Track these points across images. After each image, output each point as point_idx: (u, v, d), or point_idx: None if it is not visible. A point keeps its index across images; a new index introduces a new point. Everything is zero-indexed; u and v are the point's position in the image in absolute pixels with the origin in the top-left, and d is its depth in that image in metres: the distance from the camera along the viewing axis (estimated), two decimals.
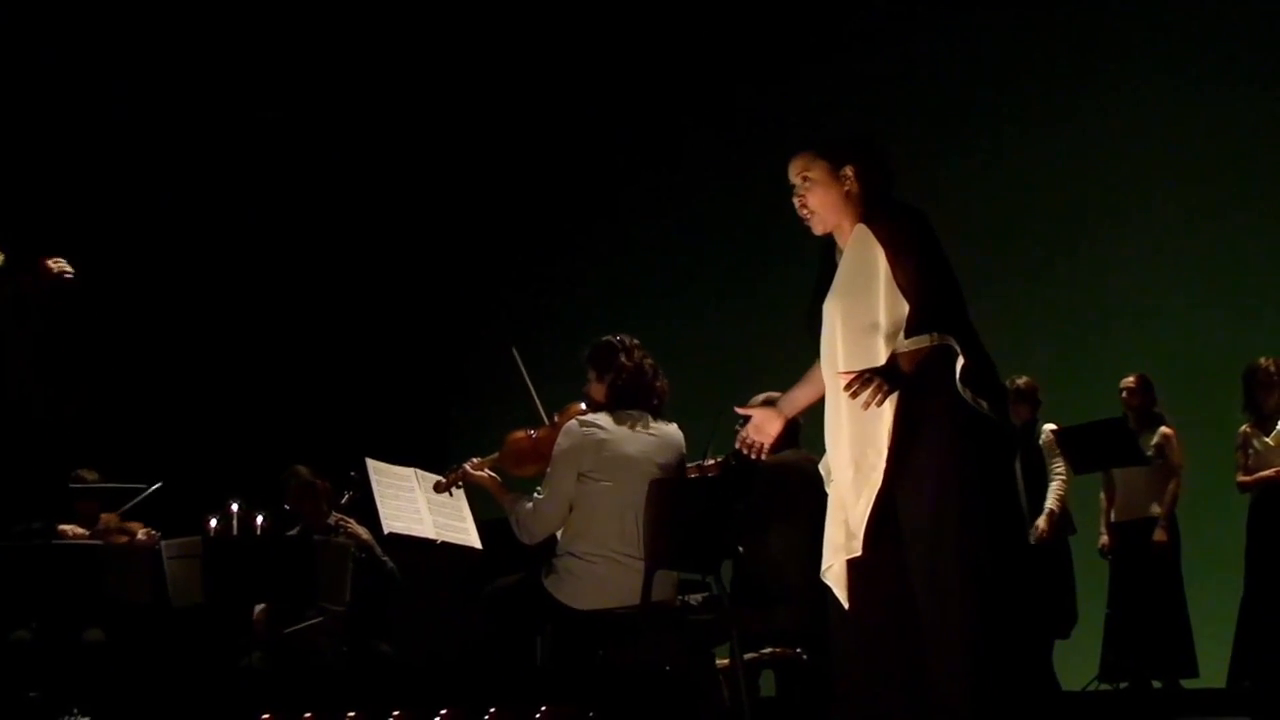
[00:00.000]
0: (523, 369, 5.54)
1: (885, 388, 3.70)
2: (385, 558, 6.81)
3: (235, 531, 5.86)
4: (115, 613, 6.18)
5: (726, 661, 5.31)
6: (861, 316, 3.89)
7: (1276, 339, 8.33)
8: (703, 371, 9.50)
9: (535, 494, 5.20)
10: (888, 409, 3.77)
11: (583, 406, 5.31)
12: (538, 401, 5.46)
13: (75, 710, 5.28)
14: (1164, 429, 8.03)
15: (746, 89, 10.54)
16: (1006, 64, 9.77)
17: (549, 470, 5.16)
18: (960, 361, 3.74)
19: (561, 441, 5.14)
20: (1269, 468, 7.73)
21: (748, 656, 5.41)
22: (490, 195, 11.36)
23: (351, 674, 6.38)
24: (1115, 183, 9.33)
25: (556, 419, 5.32)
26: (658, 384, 5.28)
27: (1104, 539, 8.11)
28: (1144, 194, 9.30)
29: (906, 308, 3.81)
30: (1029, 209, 9.33)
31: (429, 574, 6.58)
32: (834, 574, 3.95)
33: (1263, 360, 7.84)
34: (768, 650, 5.70)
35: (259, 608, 6.62)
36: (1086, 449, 7.78)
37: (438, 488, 5.43)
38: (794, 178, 4.08)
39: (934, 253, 3.88)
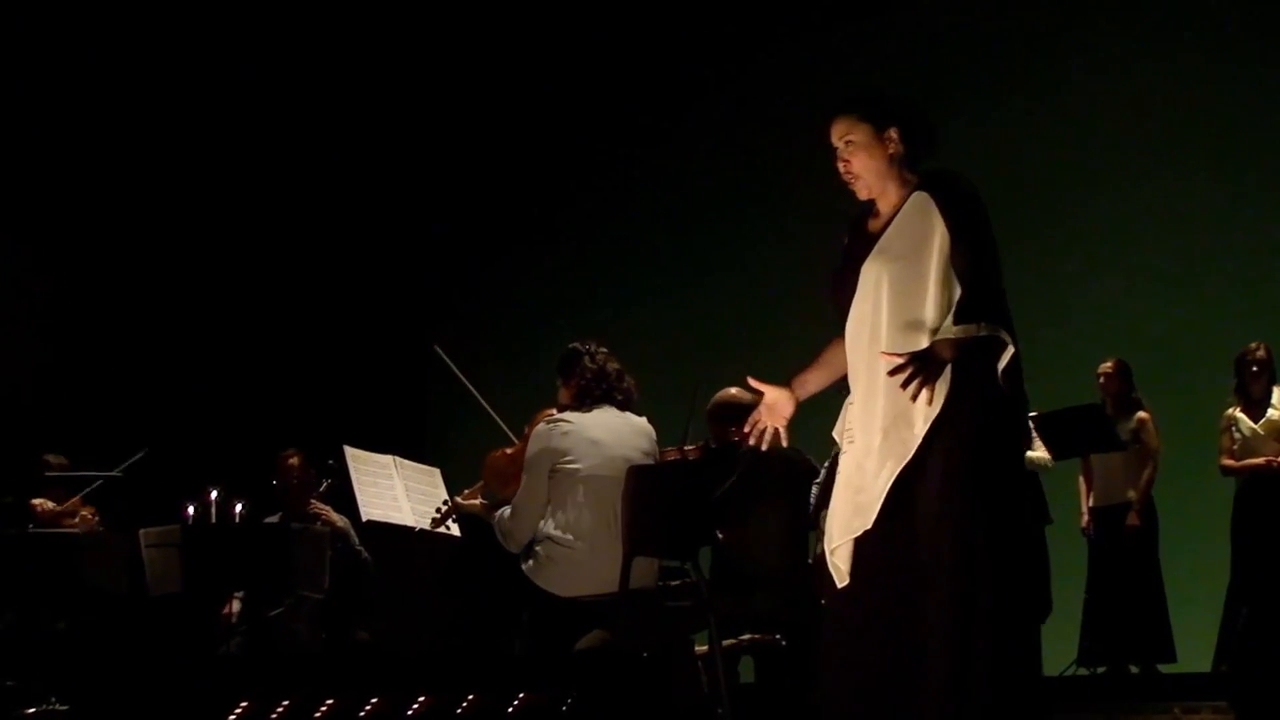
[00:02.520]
0: (454, 366, 5.57)
1: (928, 378, 3.59)
2: (360, 547, 6.83)
3: (214, 519, 5.85)
4: (93, 601, 6.16)
5: (705, 648, 5.32)
6: (910, 283, 3.75)
7: (1253, 324, 8.36)
8: (677, 355, 9.53)
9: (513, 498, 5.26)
10: (926, 396, 3.63)
11: (550, 411, 5.37)
12: (474, 391, 5.51)
13: (53, 699, 5.28)
14: (1140, 414, 8.05)
15: (709, 72, 10.51)
16: (975, 46, 9.72)
17: (524, 470, 5.24)
18: (1009, 353, 3.67)
19: (533, 444, 5.24)
20: (1256, 454, 7.77)
21: (726, 643, 5.43)
22: (466, 182, 11.32)
23: (329, 661, 6.38)
24: (1090, 165, 9.33)
25: (526, 430, 5.39)
26: (623, 383, 5.36)
27: (1085, 519, 8.14)
28: (1119, 179, 9.28)
29: (958, 289, 3.72)
30: (1003, 190, 9.31)
31: (407, 561, 6.57)
32: (842, 553, 3.78)
33: (1254, 345, 7.88)
34: (746, 636, 5.69)
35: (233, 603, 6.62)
36: (1064, 435, 7.80)
37: (433, 524, 5.53)
38: (836, 141, 3.90)
39: (991, 237, 3.78)
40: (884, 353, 3.69)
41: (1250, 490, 7.81)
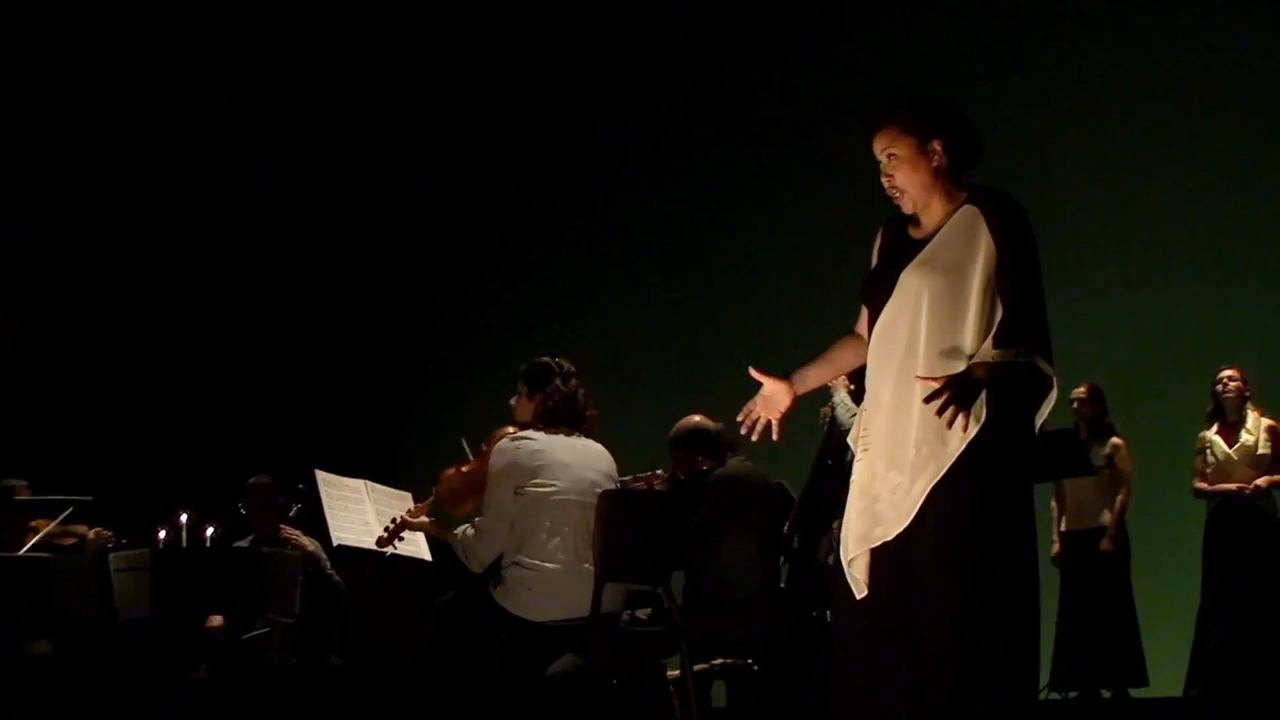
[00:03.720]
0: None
1: (964, 403, 3.49)
2: (332, 571, 6.80)
3: (184, 542, 5.82)
4: (62, 625, 6.12)
5: (678, 672, 5.31)
6: (953, 300, 3.64)
7: (1228, 349, 8.39)
8: (644, 383, 9.55)
9: (476, 518, 5.22)
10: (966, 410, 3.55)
11: (510, 429, 5.34)
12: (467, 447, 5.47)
13: None
14: (1114, 439, 8.08)
15: (693, 82, 10.53)
16: (961, 57, 9.72)
17: (487, 489, 5.19)
18: (1053, 393, 3.62)
19: (496, 460, 5.18)
20: (1229, 477, 7.82)
21: (698, 667, 5.41)
22: (437, 200, 11.29)
23: (301, 686, 6.35)
24: (1061, 188, 9.32)
25: (484, 447, 5.35)
26: (588, 413, 5.34)
27: (1055, 547, 8.15)
28: (1092, 202, 9.28)
29: (999, 310, 3.63)
30: None
31: (379, 586, 6.56)
32: (860, 564, 3.67)
33: (1228, 370, 7.93)
34: (718, 661, 5.68)
35: (216, 619, 6.59)
36: (1038, 459, 7.79)
37: (380, 543, 5.47)
38: (879, 154, 3.78)
39: (1038, 259, 3.67)
40: (920, 377, 3.59)
41: (1222, 513, 7.86)
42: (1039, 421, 3.68)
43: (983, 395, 3.56)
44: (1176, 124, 9.18)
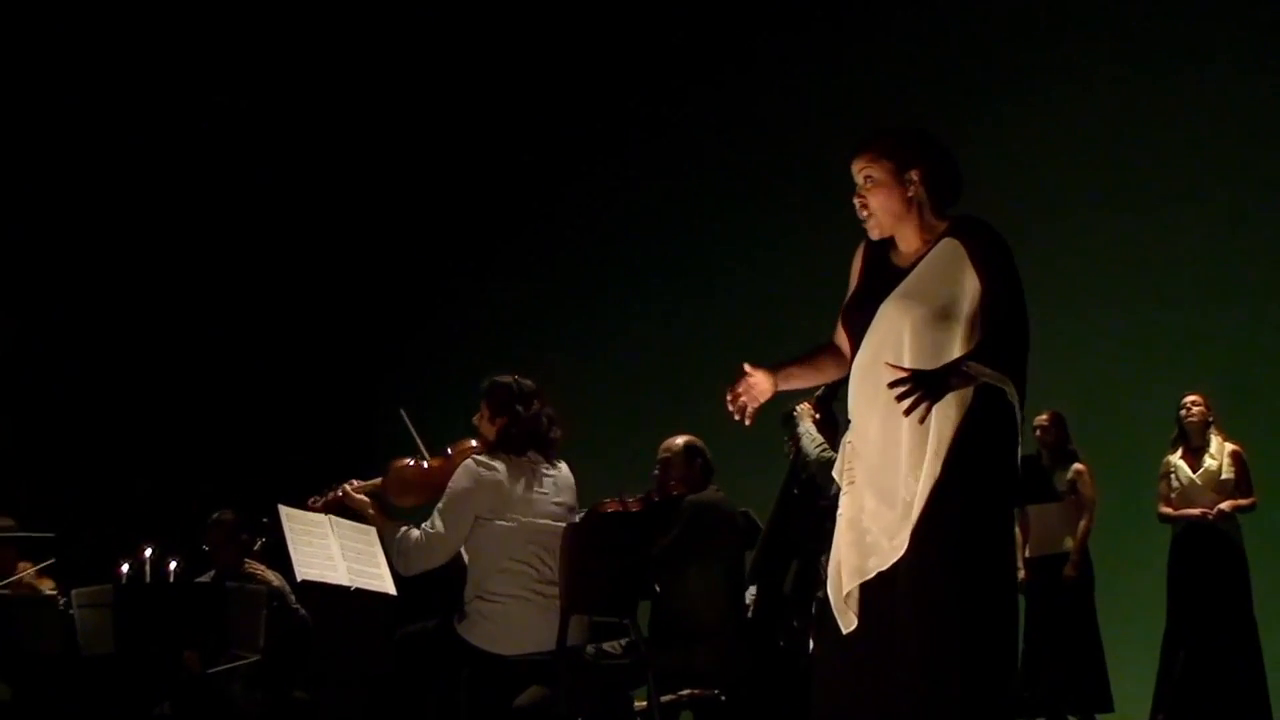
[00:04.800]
0: (414, 433, 5.53)
1: (927, 397, 3.44)
2: (298, 605, 6.77)
3: (148, 577, 5.78)
4: (23, 664, 6.06)
5: (645, 703, 5.30)
6: (936, 335, 3.62)
7: (1191, 375, 8.44)
8: (618, 405, 9.52)
9: (424, 526, 5.19)
10: (945, 436, 3.54)
11: (473, 444, 5.33)
12: (426, 455, 5.46)
13: None
14: (1077, 465, 8.12)
15: (674, 99, 10.55)
16: (947, 71, 9.77)
17: (444, 505, 5.16)
18: (1015, 410, 3.59)
19: (461, 479, 5.16)
20: (1193, 502, 7.87)
21: (665, 698, 5.41)
22: (424, 207, 11.25)
23: None
24: (1026, 214, 9.34)
25: (450, 452, 5.34)
26: (552, 435, 5.31)
27: (1020, 573, 8.17)
28: (1057, 228, 9.27)
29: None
30: None
31: (343, 620, 6.51)
32: (852, 599, 3.64)
33: (1191, 397, 7.99)
34: (685, 692, 5.68)
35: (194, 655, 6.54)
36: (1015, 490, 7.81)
37: (311, 505, 5.45)
38: (856, 176, 3.78)
39: (1022, 291, 3.65)
40: (888, 363, 3.57)
41: (1186, 538, 7.91)
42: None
43: (964, 413, 3.55)
44: (1146, 148, 9.22)
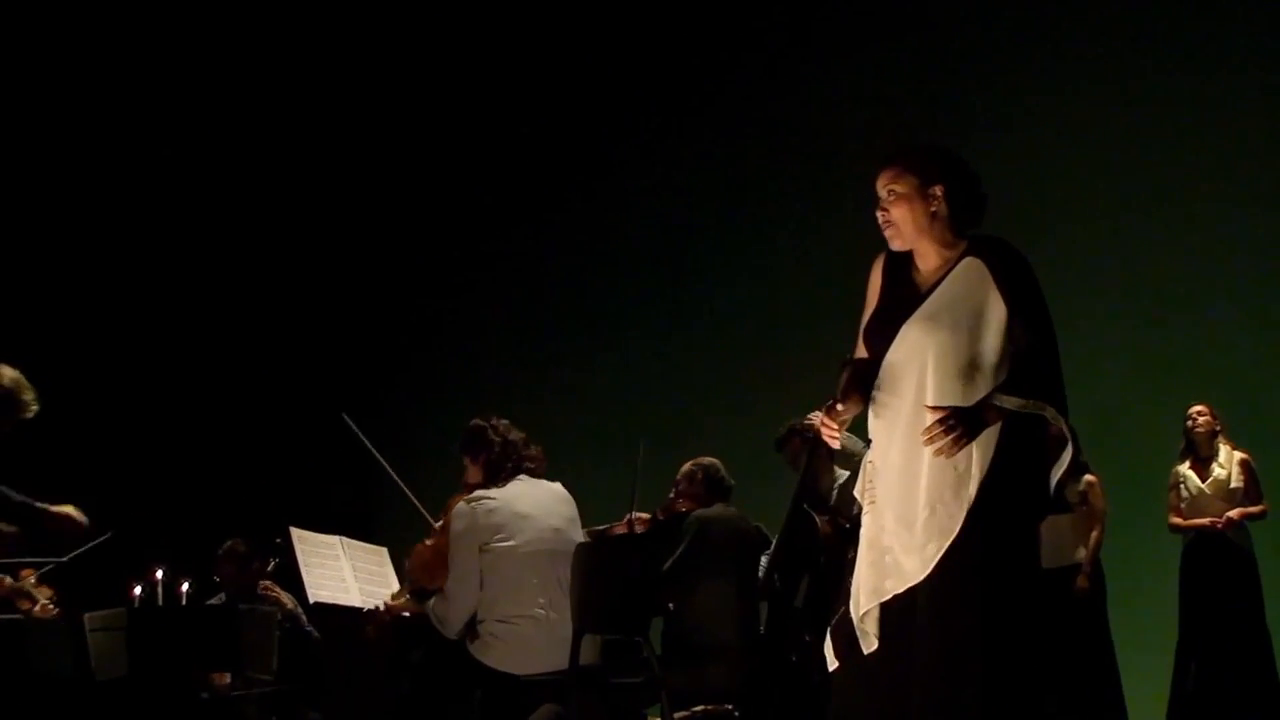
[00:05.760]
0: (361, 435, 5.57)
1: (965, 437, 3.50)
2: (310, 627, 6.77)
3: (160, 600, 5.79)
4: (37, 689, 6.05)
5: None
6: (961, 358, 3.63)
7: (1198, 387, 8.43)
8: (617, 424, 9.50)
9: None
10: (977, 461, 3.56)
11: (462, 498, 5.36)
12: (381, 460, 5.52)
13: None
14: (1088, 476, 8.10)
15: (664, 111, 10.52)
16: (949, 83, 9.73)
17: (451, 553, 5.22)
18: (1067, 448, 3.60)
19: (456, 524, 5.22)
20: (1203, 512, 7.89)
21: (679, 715, 5.41)
22: (408, 214, 11.21)
23: None
24: (1030, 224, 9.33)
25: (443, 516, 5.40)
26: (530, 451, 5.36)
27: None
28: (1061, 237, 9.15)
29: (1008, 362, 3.62)
30: None
31: (356, 641, 6.52)
32: (871, 619, 3.66)
33: (1198, 408, 8.00)
34: (699, 708, 5.68)
35: (225, 677, 6.55)
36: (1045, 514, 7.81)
37: (368, 634, 5.52)
38: (880, 189, 3.81)
39: (1048, 310, 3.68)
40: (929, 406, 3.57)
41: (1197, 548, 7.93)
42: (1053, 479, 3.67)
43: (992, 443, 3.56)
44: (1152, 159, 9.19)
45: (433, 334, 11.13)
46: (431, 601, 5.27)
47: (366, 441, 5.54)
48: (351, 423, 5.57)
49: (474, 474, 5.37)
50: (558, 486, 5.42)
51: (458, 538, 5.17)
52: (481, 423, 5.39)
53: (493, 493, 5.24)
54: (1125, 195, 9.24)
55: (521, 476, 5.32)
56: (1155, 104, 9.22)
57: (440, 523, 5.41)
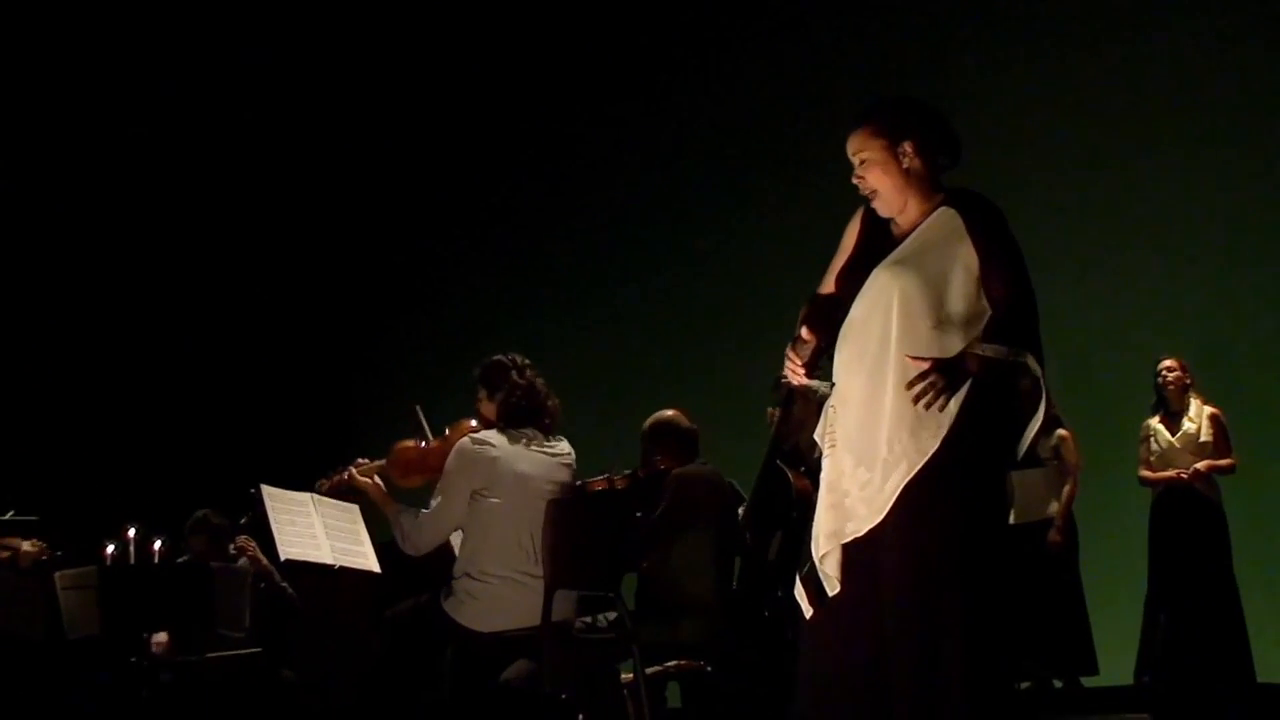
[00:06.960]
0: (426, 427, 5.53)
1: (949, 389, 3.48)
2: (285, 584, 6.75)
3: (132, 558, 5.76)
4: (6, 648, 6.04)
5: (631, 676, 5.31)
6: (927, 303, 3.60)
7: (1169, 338, 8.47)
8: (603, 384, 9.50)
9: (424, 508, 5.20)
10: (948, 409, 3.51)
11: (473, 423, 5.33)
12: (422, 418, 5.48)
13: None
14: (1060, 431, 8.12)
15: (657, 85, 10.49)
16: (922, 49, 9.68)
17: (441, 484, 5.18)
18: (1041, 405, 3.55)
19: (454, 459, 5.16)
20: (1173, 465, 7.93)
21: (652, 670, 5.41)
22: (403, 185, 11.20)
23: (254, 701, 6.31)
24: (1004, 178, 9.33)
25: (448, 432, 5.34)
26: (549, 403, 5.31)
27: None
28: (1035, 190, 9.22)
29: (987, 310, 3.60)
30: None
31: (329, 599, 6.52)
32: (830, 560, 3.63)
33: (1169, 362, 8.02)
34: (672, 663, 5.69)
35: (160, 637, 6.52)
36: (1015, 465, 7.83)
37: (319, 488, 5.45)
38: (851, 157, 3.76)
39: (1023, 259, 3.65)
40: (910, 356, 3.55)
41: (1166, 501, 7.99)
42: (1026, 436, 3.63)
43: (963, 391, 3.53)
44: (1119, 112, 9.19)
45: (422, 284, 11.13)
46: (404, 516, 5.21)
47: (429, 434, 5.47)
48: (422, 415, 5.49)
49: (488, 409, 5.29)
50: (565, 445, 5.36)
51: (454, 472, 5.13)
52: (504, 360, 5.30)
53: (498, 441, 5.17)
54: (1098, 145, 9.23)
55: (531, 430, 5.25)
56: (1128, 51, 9.21)
57: (444, 437, 5.34)
